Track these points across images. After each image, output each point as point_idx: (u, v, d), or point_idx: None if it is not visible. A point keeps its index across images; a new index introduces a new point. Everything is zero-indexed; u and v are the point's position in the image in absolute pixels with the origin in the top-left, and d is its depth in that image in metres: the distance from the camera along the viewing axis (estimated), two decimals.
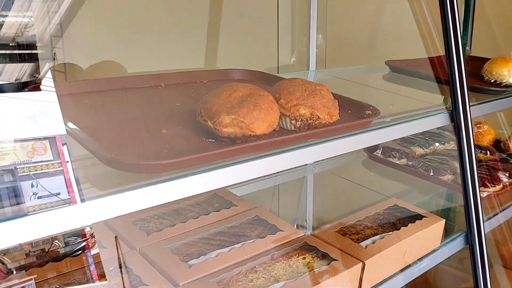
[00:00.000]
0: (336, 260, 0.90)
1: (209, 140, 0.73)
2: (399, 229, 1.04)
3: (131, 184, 0.61)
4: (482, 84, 1.36)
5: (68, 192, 0.55)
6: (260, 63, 1.52)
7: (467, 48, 1.87)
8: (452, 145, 1.59)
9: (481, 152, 1.62)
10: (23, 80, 0.62)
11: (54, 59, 1.09)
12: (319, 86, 0.85)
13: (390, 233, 1.02)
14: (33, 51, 0.67)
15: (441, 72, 1.26)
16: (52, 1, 0.96)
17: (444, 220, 1.10)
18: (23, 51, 0.65)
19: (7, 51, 0.64)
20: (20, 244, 0.71)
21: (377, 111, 0.90)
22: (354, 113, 0.91)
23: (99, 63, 1.19)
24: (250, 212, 1.05)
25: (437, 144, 1.59)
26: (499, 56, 1.44)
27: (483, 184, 1.38)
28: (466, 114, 1.10)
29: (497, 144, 1.71)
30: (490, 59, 1.44)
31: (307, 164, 1.49)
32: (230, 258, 0.87)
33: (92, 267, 0.77)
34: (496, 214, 1.31)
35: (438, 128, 1.60)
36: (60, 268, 0.76)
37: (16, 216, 0.51)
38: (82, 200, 0.56)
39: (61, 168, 0.55)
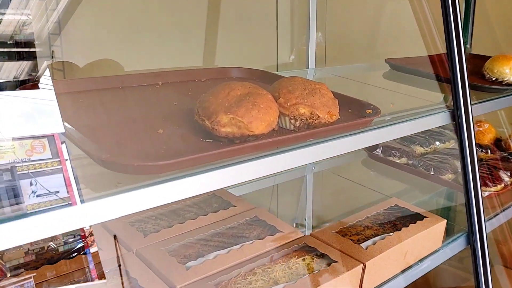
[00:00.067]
0: (336, 261, 0.89)
1: (207, 140, 0.72)
2: (400, 230, 1.02)
3: (131, 185, 0.60)
4: (483, 83, 1.35)
5: (67, 191, 0.54)
6: (259, 61, 1.50)
7: (468, 46, 1.85)
8: (453, 144, 1.58)
9: (481, 151, 1.60)
10: (21, 78, 0.61)
11: (52, 57, 1.08)
12: (319, 84, 0.84)
13: (391, 233, 1.01)
14: (31, 49, 0.66)
15: (441, 70, 1.25)
16: None
17: (445, 221, 1.09)
18: (21, 49, 0.65)
19: (5, 49, 0.64)
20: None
21: (377, 110, 0.88)
22: (355, 112, 0.90)
23: (96, 61, 1.17)
24: (248, 213, 1.03)
25: (437, 142, 1.58)
26: (500, 54, 1.43)
27: (484, 184, 1.36)
28: (468, 113, 1.08)
29: (498, 143, 1.70)
30: (491, 57, 1.43)
31: (306, 164, 1.47)
32: (228, 260, 0.86)
33: (92, 266, 0.76)
34: (497, 214, 1.30)
35: (438, 127, 1.59)
36: (59, 267, 0.74)
37: (14, 217, 0.50)
38: (82, 199, 0.55)
39: (60, 167, 0.55)
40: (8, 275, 0.69)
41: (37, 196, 0.52)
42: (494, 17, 1.92)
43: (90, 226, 0.76)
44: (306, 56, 1.47)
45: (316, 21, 1.45)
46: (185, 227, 0.96)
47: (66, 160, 0.56)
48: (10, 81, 0.60)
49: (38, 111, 0.56)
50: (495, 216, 1.28)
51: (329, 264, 0.89)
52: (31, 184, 0.52)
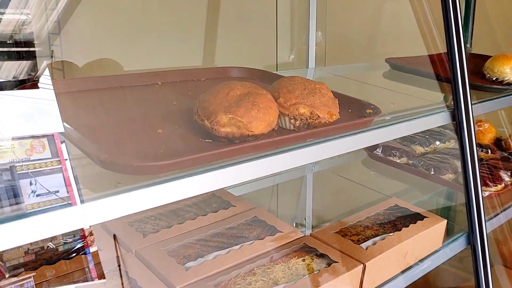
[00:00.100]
0: (336, 262, 0.88)
1: (206, 140, 0.72)
2: (400, 230, 1.02)
3: (130, 185, 0.59)
4: (483, 82, 1.34)
5: (67, 190, 0.54)
6: (259, 60, 1.50)
7: (468, 45, 1.85)
8: (453, 144, 1.57)
9: (482, 150, 1.60)
10: (21, 78, 0.61)
11: (51, 57, 1.07)
12: (319, 84, 0.83)
13: (391, 234, 1.00)
14: (31, 49, 0.66)
15: (442, 69, 1.25)
16: None
17: (445, 221, 1.09)
18: (21, 48, 0.65)
19: (5, 49, 0.64)
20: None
21: (378, 110, 0.88)
22: (355, 112, 0.89)
23: (95, 60, 1.17)
24: (248, 213, 1.03)
25: (437, 142, 1.57)
26: (501, 53, 1.42)
27: (484, 184, 1.36)
28: (468, 113, 1.08)
29: (498, 143, 1.70)
30: (491, 56, 1.42)
31: (306, 163, 1.47)
32: (228, 260, 0.86)
33: (91, 266, 0.76)
34: (498, 214, 1.29)
35: (438, 127, 1.59)
36: (58, 267, 0.74)
37: (13, 217, 0.50)
38: (81, 199, 0.55)
39: (60, 166, 0.55)
40: (8, 275, 0.69)
41: (37, 195, 0.52)
42: (494, 16, 1.91)
43: (90, 226, 0.76)
44: (306, 56, 1.47)
45: (316, 21, 1.45)
46: (185, 228, 0.95)
47: (66, 159, 0.55)
48: (9, 81, 0.60)
49: (37, 111, 0.56)
50: (495, 216, 1.28)
51: (329, 265, 0.88)
52: (31, 183, 0.52)
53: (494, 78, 1.36)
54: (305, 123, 0.79)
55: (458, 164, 1.41)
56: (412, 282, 1.03)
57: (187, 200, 1.07)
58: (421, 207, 1.16)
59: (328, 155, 0.81)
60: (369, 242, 0.98)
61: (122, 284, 0.80)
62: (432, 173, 1.38)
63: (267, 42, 1.53)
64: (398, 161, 1.45)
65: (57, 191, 0.53)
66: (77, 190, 0.55)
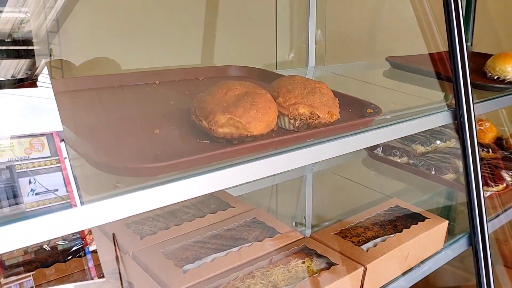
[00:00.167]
0: (337, 264, 0.87)
1: (204, 141, 0.70)
2: (401, 231, 1.00)
3: (130, 185, 0.58)
4: (485, 81, 1.33)
5: (66, 189, 0.54)
6: (258, 59, 1.49)
7: (468, 43, 1.83)
8: (454, 143, 1.56)
9: (483, 150, 1.59)
10: (20, 76, 0.61)
11: (50, 55, 1.06)
12: (319, 83, 0.82)
13: (392, 235, 0.99)
14: (29, 47, 0.65)
15: (443, 68, 1.23)
16: None
17: (447, 222, 1.07)
18: (19, 47, 0.64)
19: (3, 47, 0.63)
20: None
21: (378, 110, 0.87)
22: (355, 112, 0.88)
23: (93, 59, 1.16)
24: (247, 214, 1.02)
25: (438, 142, 1.56)
26: (502, 52, 1.41)
27: (485, 184, 1.35)
28: (470, 113, 1.07)
29: (499, 142, 1.68)
30: (492, 55, 1.41)
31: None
32: (226, 263, 0.84)
33: (91, 264, 0.76)
34: (499, 214, 1.28)
35: (439, 126, 1.57)
36: (58, 266, 0.75)
37: (10, 221, 0.49)
38: (81, 198, 0.54)
39: (59, 165, 0.54)
40: (7, 274, 0.68)
41: (36, 194, 0.52)
42: (495, 14, 1.90)
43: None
44: (305, 54, 1.46)
45: (315, 19, 1.44)
46: (183, 229, 0.94)
47: (65, 158, 0.55)
48: (8, 79, 0.60)
49: (36, 109, 0.55)
50: (496, 216, 1.27)
51: (329, 267, 0.87)
52: (30, 182, 0.52)
53: (495, 77, 1.35)
54: (305, 123, 0.77)
55: (459, 163, 1.40)
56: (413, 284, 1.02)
57: (185, 201, 1.05)
58: (421, 207, 1.15)
59: (329, 156, 0.80)
60: (370, 244, 0.96)
61: (119, 287, 0.78)
62: (433, 172, 1.37)
63: (267, 41, 1.51)
64: (398, 160, 1.44)
65: (57, 190, 0.53)
66: (77, 189, 0.54)
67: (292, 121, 0.77)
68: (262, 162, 0.70)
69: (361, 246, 0.95)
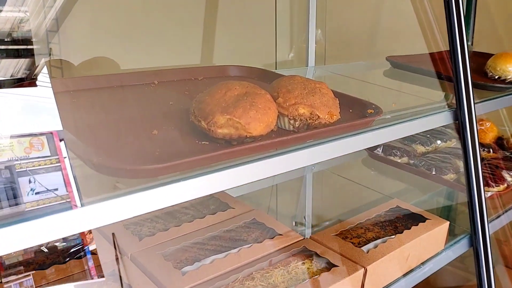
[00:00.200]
0: (337, 266, 0.86)
1: (202, 142, 0.69)
2: (401, 232, 1.00)
3: (130, 185, 0.58)
4: (486, 81, 1.32)
5: (66, 188, 0.53)
6: (258, 58, 1.48)
7: (469, 43, 1.83)
8: (454, 143, 1.55)
9: (483, 150, 1.58)
10: (19, 75, 0.61)
11: (50, 55, 1.06)
12: (319, 84, 0.81)
13: (393, 236, 0.98)
14: (29, 47, 0.66)
15: (443, 68, 1.23)
16: None
17: (448, 223, 1.07)
18: (19, 46, 0.65)
19: (3, 47, 0.64)
20: None
21: (379, 110, 0.86)
22: (356, 112, 0.87)
23: (91, 59, 1.15)
24: (247, 215, 1.01)
25: (438, 141, 1.55)
26: (503, 51, 1.40)
27: (486, 184, 1.34)
28: (471, 113, 1.06)
29: (500, 142, 1.68)
30: (493, 54, 1.40)
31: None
32: (225, 265, 0.84)
33: (91, 263, 0.76)
34: (500, 215, 1.27)
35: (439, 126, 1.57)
36: (58, 265, 0.74)
37: (11, 222, 0.49)
38: (81, 197, 0.54)
39: (59, 164, 0.54)
40: (7, 273, 0.68)
41: (36, 193, 0.52)
42: (496, 13, 1.89)
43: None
44: (305, 54, 1.45)
45: (315, 18, 1.43)
46: (182, 230, 0.93)
47: (65, 157, 0.55)
48: (7, 79, 0.60)
49: (36, 109, 0.55)
50: (497, 217, 1.26)
51: (329, 268, 0.86)
52: (30, 181, 0.52)
53: (496, 77, 1.34)
54: (305, 124, 0.77)
55: (460, 164, 1.39)
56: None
57: (184, 202, 1.04)
58: (422, 207, 1.14)
59: (329, 157, 0.79)
60: (370, 245, 0.96)
61: None
62: (434, 173, 1.36)
63: (266, 40, 1.51)
64: (399, 160, 1.43)
65: (56, 189, 0.53)
66: (76, 188, 0.54)
67: (292, 121, 0.77)
68: (261, 163, 0.69)
69: (362, 248, 0.94)
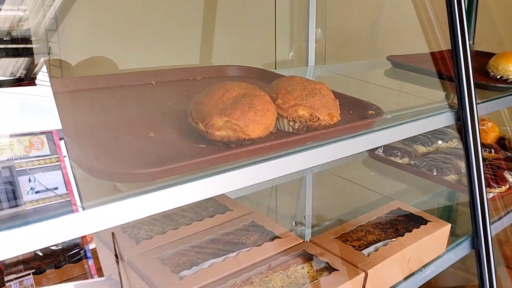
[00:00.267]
0: (337, 270, 0.85)
1: (200, 145, 0.68)
2: (402, 235, 0.98)
3: (127, 189, 0.57)
4: (487, 81, 1.31)
5: (66, 187, 0.53)
6: (257, 58, 1.47)
7: (470, 42, 1.81)
8: (456, 143, 1.54)
9: (485, 150, 1.57)
10: (19, 74, 0.61)
11: (49, 54, 1.05)
12: (319, 84, 0.80)
13: (394, 239, 0.97)
14: (28, 46, 0.66)
15: (444, 67, 1.21)
16: None
17: (449, 225, 1.05)
18: (18, 45, 0.65)
19: (2, 46, 0.63)
20: None
21: (380, 111, 0.84)
22: (356, 113, 0.86)
23: (89, 59, 1.14)
24: (246, 218, 1.00)
25: (440, 142, 1.54)
26: (504, 51, 1.39)
27: (487, 185, 1.32)
28: (473, 113, 1.04)
29: (501, 142, 1.66)
30: (494, 54, 1.39)
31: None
32: (224, 269, 0.82)
33: (91, 263, 0.76)
34: (502, 217, 1.26)
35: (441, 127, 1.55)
36: (58, 264, 0.75)
37: (10, 226, 0.48)
38: (80, 196, 0.54)
39: (59, 163, 0.54)
40: (7, 272, 0.69)
41: (36, 192, 0.52)
42: (497, 12, 1.88)
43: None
44: (305, 53, 1.43)
45: (315, 17, 1.41)
46: (179, 233, 0.92)
47: (65, 156, 0.55)
48: (7, 78, 0.60)
49: (36, 108, 0.55)
50: (499, 219, 1.25)
51: (329, 273, 0.85)
52: (30, 180, 0.52)
53: (498, 77, 1.33)
54: (304, 126, 0.75)
55: (461, 164, 1.38)
56: None
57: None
58: (423, 209, 1.13)
59: (329, 159, 0.78)
60: (371, 248, 0.94)
61: None
62: (435, 173, 1.35)
63: (266, 40, 1.49)
64: (399, 161, 1.42)
65: (56, 188, 0.53)
66: (76, 187, 0.54)
67: (291, 123, 0.75)
68: (260, 166, 0.67)
69: (362, 251, 0.93)
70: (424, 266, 1.01)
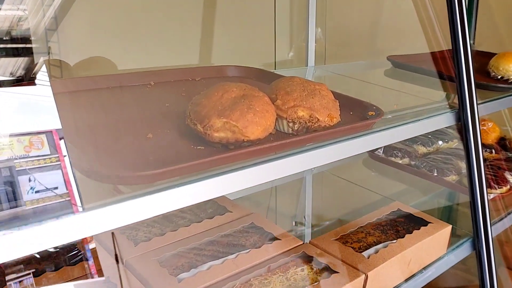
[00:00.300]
0: (337, 272, 0.84)
1: (198, 147, 0.67)
2: (403, 237, 0.98)
3: (127, 190, 0.57)
4: (488, 81, 1.30)
5: (66, 187, 0.53)
6: (257, 58, 1.46)
7: (471, 42, 1.81)
8: (456, 143, 1.54)
9: (485, 151, 1.56)
10: (18, 74, 0.61)
11: (49, 53, 1.04)
12: (319, 85, 0.79)
13: (394, 241, 0.96)
14: (28, 45, 0.66)
15: (445, 67, 1.21)
16: None
17: (450, 226, 1.05)
18: (18, 45, 0.65)
19: (1, 45, 0.63)
20: None
21: (380, 112, 0.84)
22: (356, 114, 0.85)
23: (87, 59, 1.13)
24: (245, 219, 0.99)
25: (440, 142, 1.54)
26: (505, 51, 1.38)
27: (488, 186, 1.32)
28: (474, 114, 1.04)
29: (502, 142, 1.66)
30: (495, 54, 1.38)
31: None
32: (223, 271, 0.81)
33: (91, 262, 0.76)
34: (503, 218, 1.25)
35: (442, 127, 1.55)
36: (58, 264, 0.75)
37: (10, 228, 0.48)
38: (80, 196, 0.53)
39: (59, 163, 0.54)
40: (7, 271, 0.68)
41: (36, 192, 0.51)
42: (498, 12, 1.87)
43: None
44: (305, 53, 1.43)
45: (315, 17, 1.41)
46: (178, 235, 0.91)
47: (65, 156, 0.54)
48: (6, 78, 0.60)
49: (35, 107, 0.55)
50: (500, 220, 1.24)
51: (329, 275, 0.84)
52: (30, 180, 0.51)
53: (499, 77, 1.32)
54: (304, 127, 0.74)
55: (462, 165, 1.37)
56: None
57: None
58: (423, 209, 1.12)
59: (329, 160, 0.77)
60: (371, 250, 0.93)
61: None
62: (435, 174, 1.34)
63: (265, 39, 1.48)
64: (400, 161, 1.41)
65: (56, 188, 0.52)
66: (76, 186, 0.54)
67: (291, 124, 0.74)
68: (259, 167, 0.67)
69: (362, 253, 0.92)
70: (424, 268, 1.00)
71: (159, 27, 1.24)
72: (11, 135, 0.52)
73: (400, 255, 0.92)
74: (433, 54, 1.30)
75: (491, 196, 1.31)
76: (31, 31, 0.66)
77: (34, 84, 0.58)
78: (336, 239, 0.96)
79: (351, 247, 0.93)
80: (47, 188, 0.52)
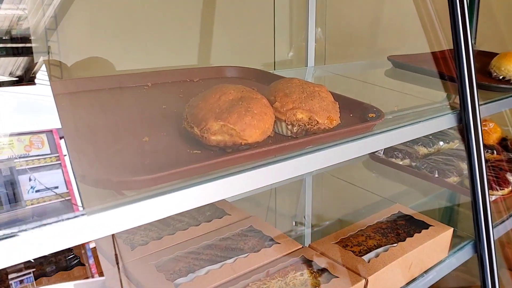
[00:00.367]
0: (337, 276, 0.83)
1: (194, 151, 0.66)
2: (404, 240, 0.96)
3: (127, 195, 0.56)
4: (490, 81, 1.29)
5: (66, 186, 0.53)
6: (256, 58, 1.45)
7: (472, 42, 1.79)
8: (457, 144, 1.52)
9: (487, 151, 1.54)
10: (18, 74, 0.61)
11: (49, 53, 1.03)
12: (318, 87, 0.77)
13: (395, 244, 0.95)
14: (28, 45, 0.65)
15: (446, 67, 1.19)
16: None
17: (452, 229, 1.03)
18: (18, 44, 0.64)
19: (1, 45, 0.63)
20: None
21: (381, 113, 0.82)
22: (356, 116, 0.84)
23: (85, 59, 1.12)
24: (243, 222, 0.98)
25: (441, 143, 1.52)
26: (507, 51, 1.37)
27: (490, 187, 1.30)
28: (476, 115, 1.02)
29: (504, 143, 1.64)
30: (497, 54, 1.37)
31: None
32: (221, 276, 0.80)
33: (91, 262, 0.76)
34: (504, 220, 1.24)
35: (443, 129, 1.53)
36: (58, 263, 0.76)
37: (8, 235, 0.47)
38: (80, 196, 0.53)
39: (59, 162, 0.54)
40: (8, 271, 0.68)
41: (36, 191, 0.51)
42: (499, 11, 1.86)
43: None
44: (305, 53, 1.41)
45: (315, 16, 1.39)
46: (176, 239, 0.90)
47: (65, 155, 0.54)
48: (6, 77, 0.60)
49: (35, 107, 0.55)
50: (501, 222, 1.23)
51: (329, 279, 0.83)
52: (30, 179, 0.52)
53: (500, 77, 1.31)
54: (303, 129, 0.73)
55: (463, 166, 1.36)
56: None
57: None
58: (424, 212, 1.11)
59: (328, 163, 0.76)
60: (372, 254, 0.92)
61: None
62: (436, 175, 1.33)
63: (265, 39, 1.47)
64: (400, 163, 1.40)
65: (57, 187, 0.53)
66: (76, 186, 0.53)
67: (289, 127, 0.73)
68: (258, 171, 0.66)
69: (363, 257, 0.90)
70: (426, 272, 0.99)
71: (159, 27, 1.22)
72: (11, 135, 0.52)
73: (401, 259, 0.91)
74: (434, 54, 1.29)
75: (493, 197, 1.29)
76: (31, 31, 0.66)
77: (34, 83, 0.58)
78: (336, 243, 0.95)
79: (351, 250, 0.92)
80: (47, 188, 0.52)
